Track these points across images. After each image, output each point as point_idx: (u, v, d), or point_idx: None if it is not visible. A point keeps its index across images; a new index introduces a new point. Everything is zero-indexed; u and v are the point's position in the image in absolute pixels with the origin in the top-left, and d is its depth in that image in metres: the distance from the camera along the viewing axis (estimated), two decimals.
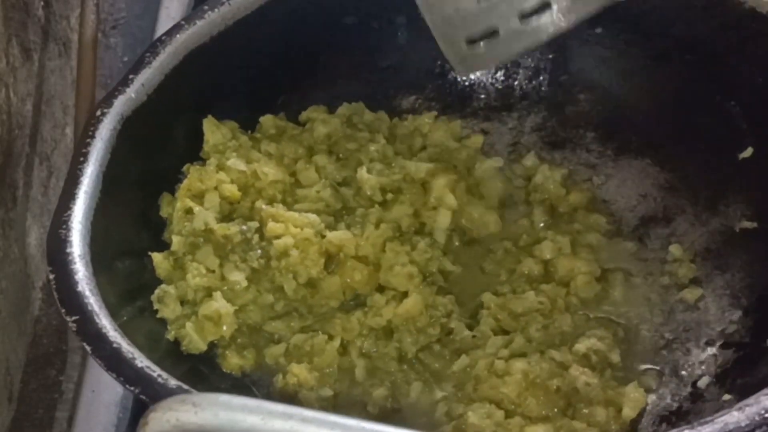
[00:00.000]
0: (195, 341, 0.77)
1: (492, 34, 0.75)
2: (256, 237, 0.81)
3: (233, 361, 0.79)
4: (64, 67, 1.01)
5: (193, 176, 0.83)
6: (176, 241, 0.80)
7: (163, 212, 0.83)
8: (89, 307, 0.68)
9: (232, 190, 0.82)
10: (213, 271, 0.79)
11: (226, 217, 0.82)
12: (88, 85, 0.92)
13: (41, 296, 0.97)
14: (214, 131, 0.86)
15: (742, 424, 0.59)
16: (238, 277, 0.79)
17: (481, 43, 0.75)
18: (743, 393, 0.73)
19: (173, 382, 0.64)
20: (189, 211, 0.81)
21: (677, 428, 0.60)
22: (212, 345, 0.79)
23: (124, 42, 1.15)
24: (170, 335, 0.78)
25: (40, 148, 0.96)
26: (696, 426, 0.59)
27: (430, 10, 0.75)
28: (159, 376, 0.64)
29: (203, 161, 0.86)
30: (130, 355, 0.66)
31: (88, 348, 0.66)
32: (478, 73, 0.97)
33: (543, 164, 0.92)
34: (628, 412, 0.75)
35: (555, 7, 0.73)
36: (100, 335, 0.67)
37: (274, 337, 0.80)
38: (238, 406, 0.50)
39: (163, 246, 0.82)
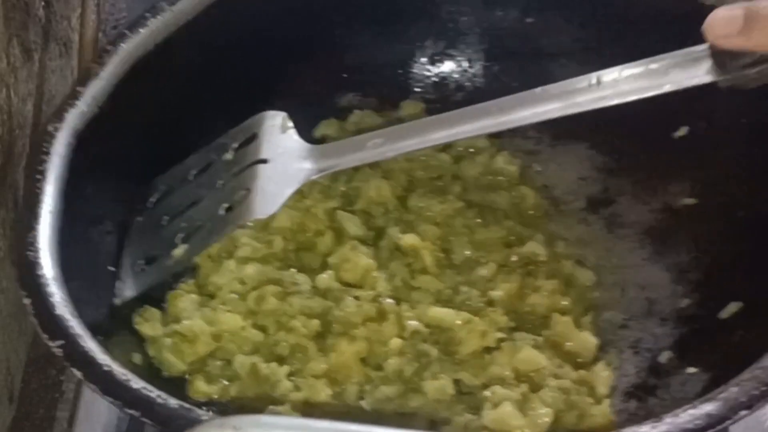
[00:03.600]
0: (173, 363, 0.77)
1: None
2: None
3: (201, 388, 0.77)
4: (65, 68, 0.98)
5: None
6: None
7: None
8: (72, 331, 0.67)
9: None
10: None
11: None
12: None
13: None
14: None
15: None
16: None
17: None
18: (707, 365, 0.77)
19: (173, 402, 0.63)
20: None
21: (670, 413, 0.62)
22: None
23: None
24: (137, 359, 0.76)
25: None
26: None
27: None
28: (158, 396, 0.63)
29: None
30: (124, 377, 0.64)
31: (78, 374, 0.65)
32: (414, 67, 0.98)
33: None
34: (602, 390, 0.77)
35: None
36: (88, 359, 0.65)
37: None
38: (282, 426, 0.49)
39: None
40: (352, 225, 0.86)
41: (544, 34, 0.96)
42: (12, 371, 0.86)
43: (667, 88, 0.70)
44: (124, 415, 0.82)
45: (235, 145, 0.82)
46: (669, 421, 0.61)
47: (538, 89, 0.75)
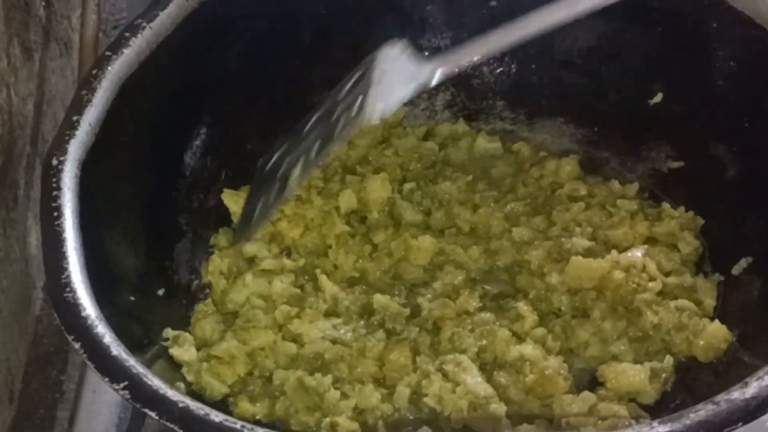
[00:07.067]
0: (215, 386, 0.75)
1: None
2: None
3: (246, 408, 0.76)
4: (66, 67, 0.97)
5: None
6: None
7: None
8: (134, 371, 0.64)
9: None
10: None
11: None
12: None
13: (42, 296, 0.94)
14: (236, 201, 0.87)
15: None
16: None
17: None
18: (732, 322, 0.79)
19: (261, 431, 0.61)
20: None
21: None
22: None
23: None
24: (181, 388, 0.73)
25: (41, 149, 0.92)
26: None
27: None
28: (243, 427, 0.61)
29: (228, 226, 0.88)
30: (203, 412, 0.62)
31: (153, 414, 0.62)
32: None
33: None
34: (709, 302, 0.82)
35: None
36: (160, 398, 0.62)
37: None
38: None
39: (165, 285, 0.82)
40: (410, 212, 0.87)
41: (508, 16, 0.96)
42: (12, 371, 0.85)
43: None
44: (125, 414, 0.82)
45: (347, 87, 0.77)
46: (755, 384, 0.62)
47: None
